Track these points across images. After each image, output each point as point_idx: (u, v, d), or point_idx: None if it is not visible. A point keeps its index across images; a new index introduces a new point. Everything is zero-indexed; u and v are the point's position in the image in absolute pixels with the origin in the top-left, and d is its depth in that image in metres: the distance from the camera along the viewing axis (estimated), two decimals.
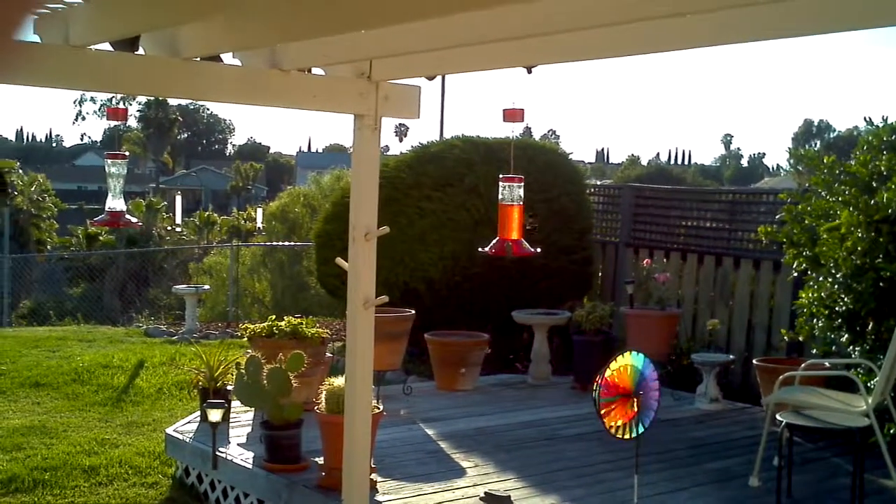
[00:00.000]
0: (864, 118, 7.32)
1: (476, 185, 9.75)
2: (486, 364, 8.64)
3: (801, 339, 7.21)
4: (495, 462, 6.11)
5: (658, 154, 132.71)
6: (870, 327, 6.29)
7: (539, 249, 4.14)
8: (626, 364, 4.49)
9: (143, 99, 66.25)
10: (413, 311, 7.89)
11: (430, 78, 4.13)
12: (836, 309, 6.45)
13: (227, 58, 3.73)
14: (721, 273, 9.22)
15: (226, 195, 65.52)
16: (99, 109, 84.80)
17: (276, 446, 5.75)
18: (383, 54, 3.78)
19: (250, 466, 5.86)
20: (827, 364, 6.53)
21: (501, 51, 3.48)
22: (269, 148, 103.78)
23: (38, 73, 3.34)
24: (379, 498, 5.31)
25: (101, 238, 23.62)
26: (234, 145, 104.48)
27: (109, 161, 3.95)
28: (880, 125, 6.91)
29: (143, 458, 6.85)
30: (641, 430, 4.50)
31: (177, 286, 13.54)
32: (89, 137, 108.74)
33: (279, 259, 17.51)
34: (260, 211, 27.79)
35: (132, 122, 70.21)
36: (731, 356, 8.25)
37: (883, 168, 6.44)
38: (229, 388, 6.54)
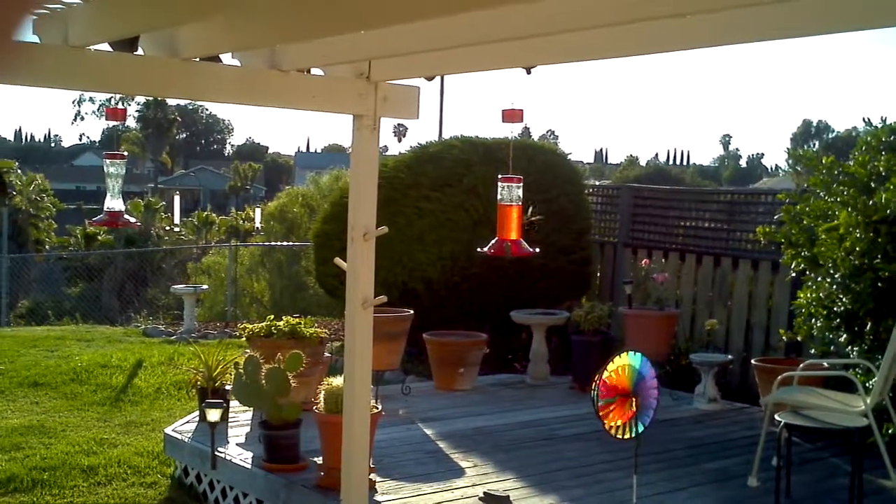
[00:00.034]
0: (863, 119, 7.33)
1: (475, 185, 9.75)
2: (485, 364, 8.65)
3: (799, 339, 7.22)
4: (494, 462, 6.12)
5: (657, 154, 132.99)
6: (868, 327, 6.30)
7: (538, 249, 4.14)
8: (624, 364, 4.50)
9: (141, 99, 66.26)
10: (411, 311, 7.90)
11: (429, 78, 4.13)
12: (835, 309, 6.45)
13: (227, 58, 3.73)
14: (719, 273, 9.23)
15: (224, 195, 65.49)
16: (98, 109, 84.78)
17: (274, 446, 5.75)
18: (382, 55, 3.78)
19: (249, 466, 5.86)
20: (825, 364, 6.54)
21: (500, 51, 3.48)
22: (267, 148, 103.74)
23: (37, 74, 3.34)
24: (378, 498, 5.31)
25: (99, 238, 23.62)
26: (232, 145, 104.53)
27: (108, 161, 3.95)
28: (879, 126, 6.92)
29: (142, 458, 6.85)
30: (641, 428, 4.50)
31: (175, 286, 13.54)
32: (88, 137, 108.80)
33: (277, 259, 17.51)
34: (258, 211, 27.80)
35: (131, 123, 70.20)
36: (730, 356, 8.26)
37: (881, 169, 6.44)
38: (228, 387, 6.54)
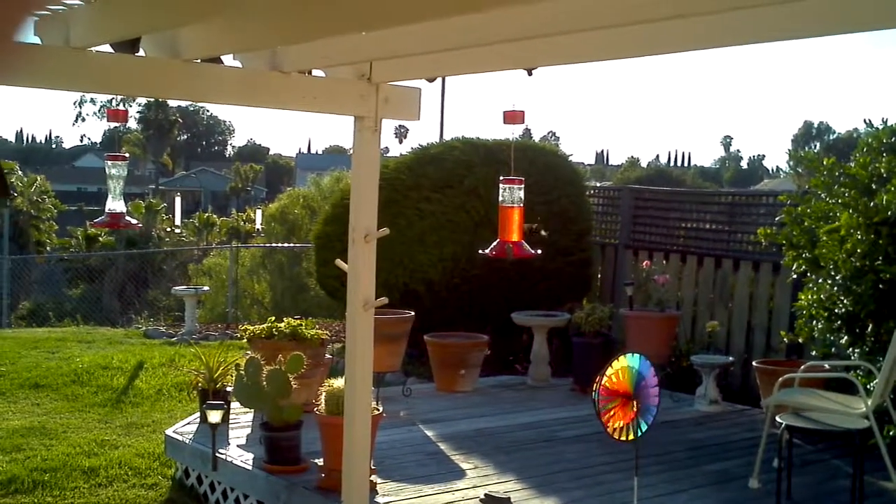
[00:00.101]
0: (864, 120, 7.33)
1: (476, 186, 9.75)
2: (486, 365, 8.64)
3: (800, 340, 7.22)
4: (495, 464, 6.11)
5: (658, 156, 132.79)
6: (869, 329, 6.29)
7: (539, 251, 4.14)
8: (623, 367, 4.48)
9: (142, 100, 66.33)
10: (412, 313, 7.89)
11: (431, 80, 4.13)
12: (836, 311, 6.45)
13: (228, 59, 3.73)
14: (720, 275, 9.22)
15: (225, 196, 65.51)
16: (99, 111, 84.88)
17: (275, 448, 5.75)
18: (384, 56, 3.78)
19: (250, 468, 5.86)
20: (826, 366, 6.53)
21: (502, 52, 3.48)
22: (268, 149, 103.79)
23: (38, 75, 3.34)
24: (379, 499, 5.31)
25: (100, 239, 23.61)
26: (233, 147, 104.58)
27: (109, 163, 3.95)
28: (880, 127, 6.91)
29: (143, 460, 6.85)
30: (645, 427, 4.49)
31: (176, 287, 13.54)
32: (89, 139, 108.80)
33: (278, 260, 17.51)
34: (259, 212, 27.80)
35: (132, 124, 70.22)
36: (731, 358, 8.25)
37: (882, 170, 6.44)
38: (229, 389, 6.54)
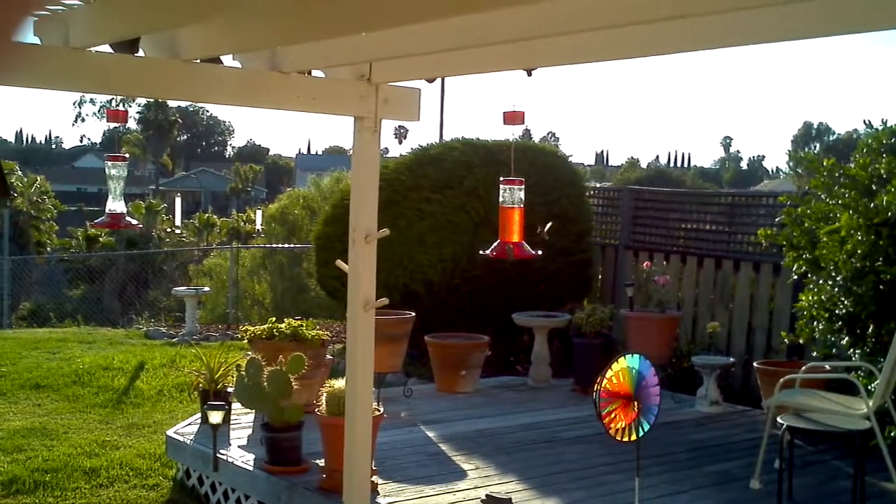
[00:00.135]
0: (864, 121, 7.32)
1: (475, 187, 9.75)
2: (487, 366, 8.64)
3: (801, 341, 7.21)
4: (496, 464, 6.11)
5: (657, 156, 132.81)
6: (870, 330, 6.29)
7: (540, 252, 4.14)
8: (622, 368, 4.48)
9: (142, 101, 66.33)
10: (413, 314, 7.89)
11: (430, 80, 4.14)
12: (837, 312, 6.44)
13: (227, 60, 3.73)
14: (721, 276, 9.21)
15: (225, 197, 65.52)
16: (98, 111, 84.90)
17: (276, 448, 5.75)
18: (383, 56, 3.78)
19: (251, 468, 5.85)
20: (827, 367, 6.53)
21: (501, 53, 3.48)
22: (268, 150, 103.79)
23: (37, 75, 3.34)
24: (380, 500, 5.31)
25: (100, 240, 23.62)
26: (233, 147, 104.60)
27: (110, 163, 3.95)
28: (880, 128, 6.91)
29: (144, 460, 6.85)
30: (647, 427, 4.48)
31: (177, 288, 13.54)
32: (89, 139, 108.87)
33: (279, 261, 17.50)
34: (259, 213, 27.79)
35: (132, 124, 70.25)
36: (732, 359, 8.25)
37: (882, 171, 6.44)
38: (230, 390, 6.54)
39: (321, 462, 5.53)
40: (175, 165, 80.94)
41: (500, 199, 3.96)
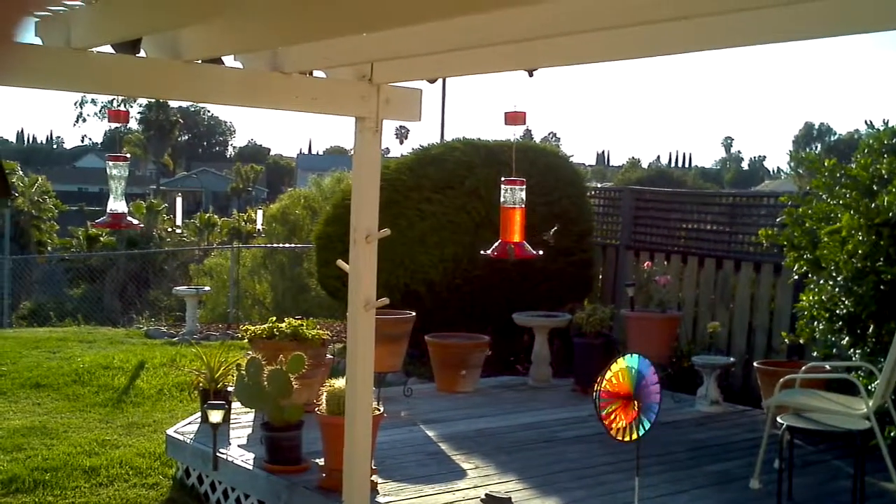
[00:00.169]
0: (865, 121, 7.33)
1: (476, 187, 9.75)
2: (487, 366, 8.64)
3: (801, 341, 7.21)
4: (496, 464, 6.11)
5: (658, 157, 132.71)
6: (870, 330, 6.29)
7: (541, 252, 4.14)
8: (621, 369, 4.48)
9: (143, 101, 66.35)
10: (413, 313, 7.89)
11: (432, 80, 4.14)
12: (837, 312, 6.45)
13: (229, 60, 3.73)
14: (722, 276, 9.22)
15: (226, 197, 65.55)
16: (100, 111, 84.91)
17: (276, 447, 5.76)
18: (385, 57, 3.78)
19: (251, 468, 5.86)
20: (827, 367, 6.53)
21: (503, 54, 3.48)
22: (269, 150, 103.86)
23: (39, 75, 3.35)
24: (379, 499, 5.31)
25: (101, 239, 23.63)
26: (234, 147, 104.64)
27: (111, 163, 3.95)
28: (881, 128, 6.91)
29: (144, 459, 6.85)
30: (648, 425, 4.49)
31: (177, 287, 13.55)
32: (90, 139, 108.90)
33: (280, 261, 17.52)
34: (260, 213, 27.80)
35: (133, 125, 70.27)
36: (732, 359, 8.25)
37: (884, 171, 6.44)
38: (230, 389, 6.54)
39: (321, 461, 5.54)
40: (176, 165, 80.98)
41: (502, 199, 3.97)
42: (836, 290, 6.46)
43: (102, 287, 19.24)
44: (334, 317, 12.99)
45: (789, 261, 7.10)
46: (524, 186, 3.98)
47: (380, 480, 5.54)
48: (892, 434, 5.69)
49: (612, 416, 4.46)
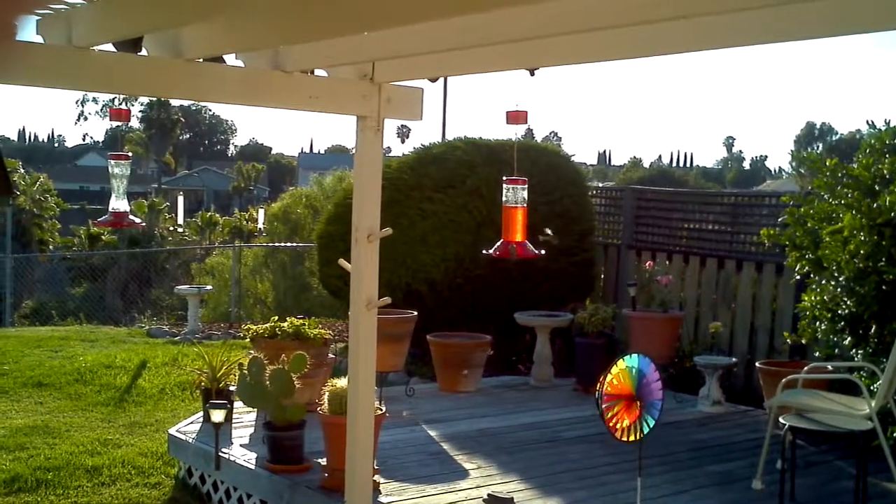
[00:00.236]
0: (867, 121, 7.31)
1: (478, 186, 9.75)
2: (489, 366, 8.64)
3: (803, 342, 7.21)
4: (498, 464, 6.11)
5: (660, 156, 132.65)
6: (872, 330, 6.28)
7: (543, 251, 4.14)
8: (621, 369, 4.47)
9: (145, 100, 66.36)
10: (415, 313, 7.89)
11: (433, 80, 4.13)
12: (839, 312, 6.44)
13: (230, 59, 3.73)
14: (723, 276, 9.21)
15: (228, 196, 65.58)
16: (101, 110, 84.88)
17: (278, 447, 5.75)
18: (386, 56, 3.78)
19: (253, 467, 5.86)
20: (830, 367, 6.53)
21: (504, 53, 3.48)
22: (270, 149, 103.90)
23: (40, 74, 3.35)
24: (381, 499, 5.31)
25: (103, 238, 23.65)
26: (235, 146, 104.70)
27: (113, 162, 3.95)
28: (883, 128, 6.90)
29: (146, 459, 6.85)
30: (652, 423, 4.48)
31: (179, 287, 13.54)
32: (91, 138, 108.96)
33: (281, 260, 17.52)
34: (262, 212, 27.82)
35: (134, 123, 70.29)
36: (734, 359, 8.24)
37: (885, 171, 6.43)
38: (232, 388, 6.54)
39: (323, 461, 5.53)
40: (177, 164, 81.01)
41: (503, 198, 3.96)
42: (838, 290, 6.45)
43: (104, 286, 19.25)
44: (336, 316, 12.99)
45: (791, 261, 7.10)
46: (526, 186, 3.98)
47: (382, 480, 5.54)
48: (894, 434, 5.68)
49: (616, 417, 4.46)
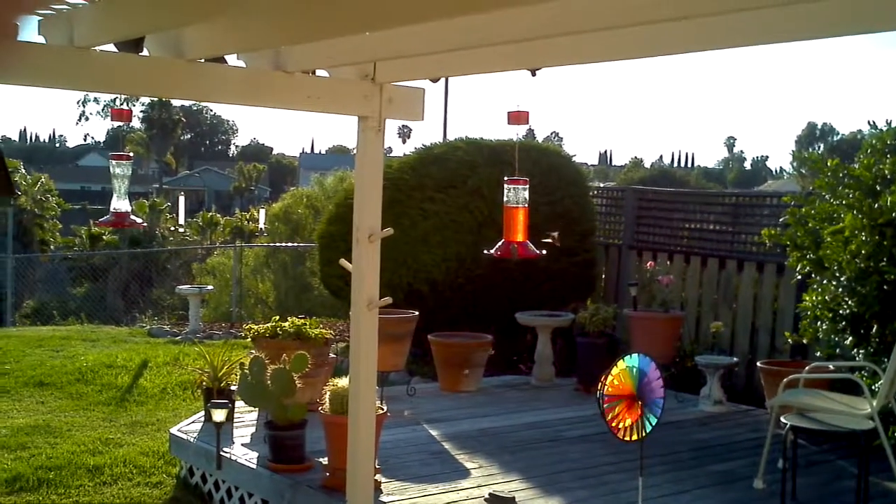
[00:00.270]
0: (868, 121, 7.31)
1: (479, 186, 9.75)
2: (490, 365, 8.64)
3: (805, 341, 7.21)
4: (499, 463, 6.11)
5: (661, 156, 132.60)
6: (874, 330, 6.28)
7: (544, 252, 4.14)
8: (622, 370, 4.47)
9: (146, 100, 66.39)
10: (416, 313, 7.90)
11: (434, 80, 4.13)
12: (840, 312, 6.44)
13: (232, 59, 3.73)
14: (724, 276, 9.21)
15: (229, 196, 65.61)
16: (102, 110, 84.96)
17: (280, 446, 5.76)
18: (387, 56, 3.78)
19: (254, 466, 5.86)
20: (831, 367, 6.53)
21: (505, 53, 3.48)
22: (272, 149, 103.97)
23: (42, 74, 3.35)
24: (383, 499, 5.31)
25: (104, 238, 23.66)
26: (237, 146, 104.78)
27: (114, 162, 3.96)
28: (884, 128, 6.90)
29: (148, 458, 6.86)
30: (654, 421, 4.48)
31: (180, 286, 13.55)
32: (92, 138, 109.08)
33: (282, 260, 17.53)
34: (263, 212, 27.82)
35: (135, 123, 70.30)
36: (735, 359, 8.24)
37: (887, 171, 6.43)
38: (233, 388, 6.55)
39: (324, 460, 5.54)
40: (179, 164, 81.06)
41: (505, 198, 3.97)
42: (840, 290, 6.45)
43: (105, 286, 19.26)
44: (337, 316, 12.99)
45: (792, 261, 7.10)
46: (527, 186, 3.98)
47: (383, 480, 5.54)
48: (895, 434, 5.68)
49: (618, 417, 4.46)
